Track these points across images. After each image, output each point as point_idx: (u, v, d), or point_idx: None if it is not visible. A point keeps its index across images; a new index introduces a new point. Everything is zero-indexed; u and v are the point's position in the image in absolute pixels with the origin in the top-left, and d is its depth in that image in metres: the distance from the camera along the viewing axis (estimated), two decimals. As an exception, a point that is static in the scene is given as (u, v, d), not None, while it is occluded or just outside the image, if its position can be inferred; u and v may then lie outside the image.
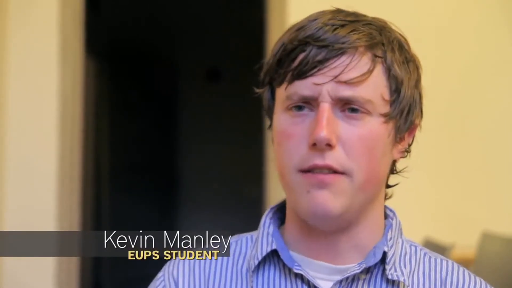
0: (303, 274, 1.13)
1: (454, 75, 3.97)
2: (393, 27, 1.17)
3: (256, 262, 1.15)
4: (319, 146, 1.09)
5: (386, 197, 1.21)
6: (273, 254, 1.16)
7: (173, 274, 1.19)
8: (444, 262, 1.19)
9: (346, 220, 1.13)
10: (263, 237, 1.17)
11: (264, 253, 1.15)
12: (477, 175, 4.03)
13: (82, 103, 4.21)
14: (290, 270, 1.14)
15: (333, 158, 1.10)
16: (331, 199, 1.10)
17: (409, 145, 1.19)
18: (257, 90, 1.19)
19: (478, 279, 1.19)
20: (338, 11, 1.14)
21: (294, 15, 3.97)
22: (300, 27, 1.13)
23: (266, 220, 1.19)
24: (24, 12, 4.02)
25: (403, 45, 1.16)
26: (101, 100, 6.23)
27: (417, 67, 1.17)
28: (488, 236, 3.44)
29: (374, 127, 1.11)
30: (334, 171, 1.10)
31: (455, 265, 1.20)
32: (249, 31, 6.21)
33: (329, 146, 1.09)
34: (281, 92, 1.14)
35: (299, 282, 1.14)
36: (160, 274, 1.20)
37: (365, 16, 1.15)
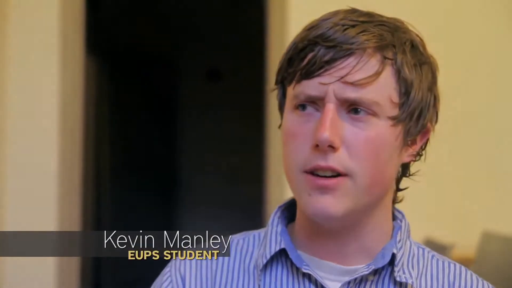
0: (312, 274, 1.13)
1: (454, 74, 3.97)
2: (410, 28, 1.15)
3: (265, 261, 1.15)
4: (322, 148, 1.08)
5: (397, 201, 1.20)
6: (281, 253, 1.16)
7: (180, 270, 1.18)
8: (452, 265, 1.19)
9: (351, 221, 1.13)
10: (271, 236, 1.17)
11: (273, 252, 1.15)
12: (477, 175, 4.03)
13: (82, 103, 4.21)
14: (298, 269, 1.14)
15: (336, 160, 1.09)
16: (333, 203, 1.10)
17: (423, 149, 1.18)
18: (270, 89, 1.19)
19: (485, 282, 1.19)
20: (352, 11, 1.13)
21: (294, 15, 3.97)
22: (312, 26, 1.13)
23: (275, 219, 1.19)
24: (24, 12, 4.02)
25: (417, 46, 1.14)
26: (101, 100, 6.23)
27: (432, 70, 1.15)
28: (488, 236, 3.44)
29: (380, 130, 1.10)
30: (338, 173, 1.09)
31: (463, 268, 1.19)
32: (249, 31, 6.21)
33: (332, 148, 1.08)
34: (290, 91, 1.13)
35: (306, 282, 1.14)
36: (166, 269, 1.20)
37: (380, 16, 1.14)
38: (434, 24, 4.00)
